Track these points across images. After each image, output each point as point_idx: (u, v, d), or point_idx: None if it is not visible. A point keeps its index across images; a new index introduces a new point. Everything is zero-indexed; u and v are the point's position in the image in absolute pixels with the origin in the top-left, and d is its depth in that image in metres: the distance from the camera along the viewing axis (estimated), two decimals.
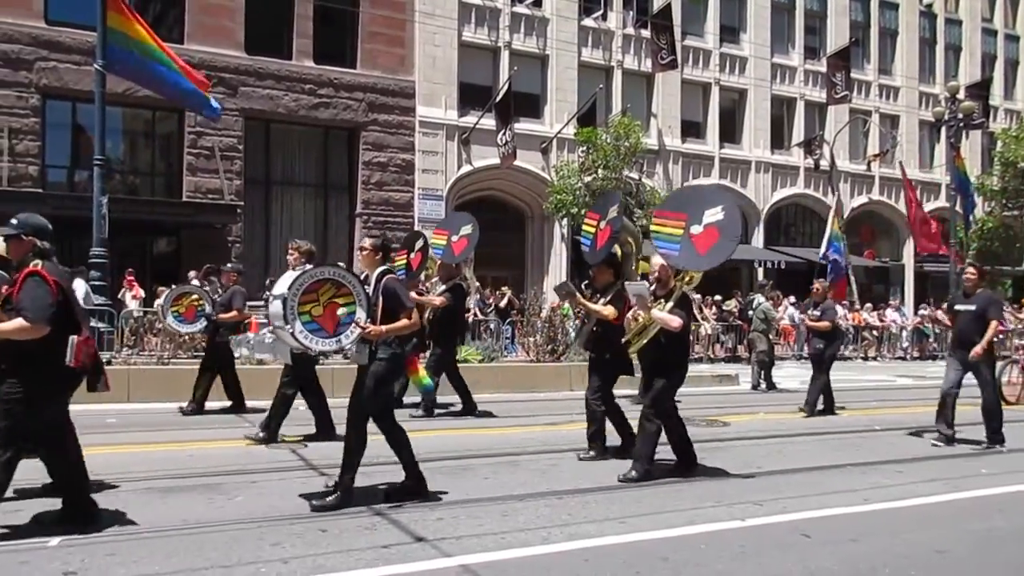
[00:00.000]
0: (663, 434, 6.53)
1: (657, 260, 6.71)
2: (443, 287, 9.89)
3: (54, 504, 4.94)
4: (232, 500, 5.48)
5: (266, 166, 21.70)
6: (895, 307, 26.92)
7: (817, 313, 10.91)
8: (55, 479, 4.92)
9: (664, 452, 6.70)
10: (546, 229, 24.87)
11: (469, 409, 9.82)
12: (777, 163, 28.98)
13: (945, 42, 33.41)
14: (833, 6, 30.31)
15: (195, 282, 12.68)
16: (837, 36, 29.93)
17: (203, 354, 10.11)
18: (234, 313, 9.28)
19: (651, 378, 6.50)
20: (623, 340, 6.61)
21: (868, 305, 25.27)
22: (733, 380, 15.02)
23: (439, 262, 10.29)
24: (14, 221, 4.85)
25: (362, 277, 5.55)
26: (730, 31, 28.47)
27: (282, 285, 5.33)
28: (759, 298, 14.78)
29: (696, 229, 6.43)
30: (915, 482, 6.58)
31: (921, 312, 25.54)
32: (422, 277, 11.49)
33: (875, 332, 24.58)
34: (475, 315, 18.02)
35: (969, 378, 8.39)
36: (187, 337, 11.12)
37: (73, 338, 4.58)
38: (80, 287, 14.10)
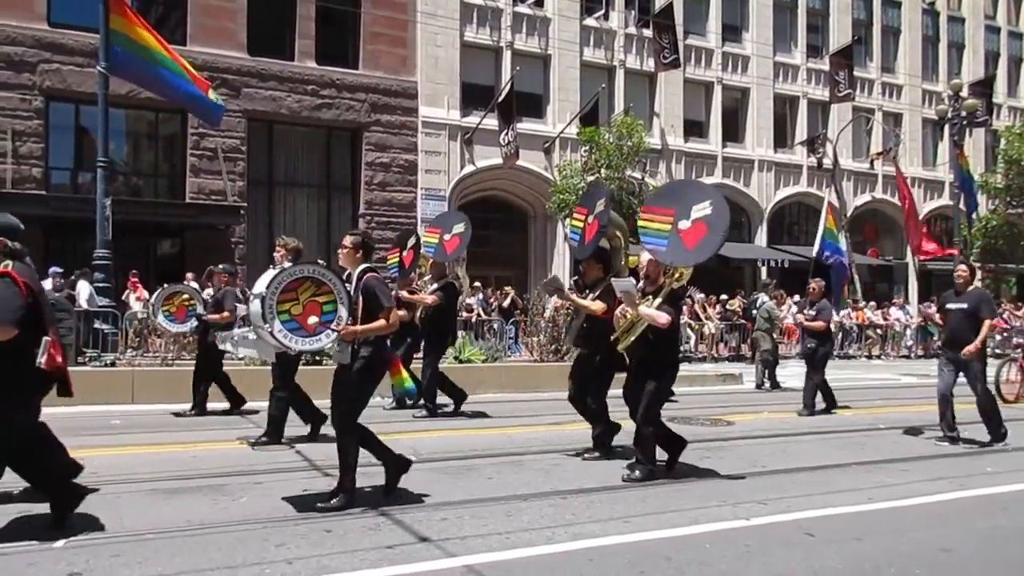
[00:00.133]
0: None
1: (645, 256, 6.61)
2: (435, 286, 9.83)
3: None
4: (236, 501, 5.48)
5: (269, 167, 21.73)
6: (899, 305, 26.88)
7: (812, 312, 10.88)
8: (35, 485, 4.82)
9: (663, 453, 6.69)
10: (549, 229, 24.87)
11: (456, 409, 9.79)
12: (780, 162, 28.95)
13: (948, 39, 33.34)
14: (835, 4, 30.26)
15: (193, 284, 12.65)
16: (839, 34, 29.89)
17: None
18: (225, 314, 9.15)
19: (640, 377, 6.41)
20: (612, 337, 6.52)
21: (872, 303, 25.24)
22: (737, 379, 15.02)
23: (431, 260, 10.21)
24: None
25: (345, 275, 5.47)
26: (732, 30, 28.44)
27: (261, 284, 5.26)
28: (763, 297, 14.76)
29: (684, 224, 6.35)
30: (920, 481, 6.57)
31: (909, 307, 25.39)
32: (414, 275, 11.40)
33: (879, 330, 24.55)
34: (478, 315, 18.04)
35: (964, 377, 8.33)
36: (191, 338, 11.11)
37: (46, 339, 4.48)
38: (84, 289, 14.20)
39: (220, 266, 9.69)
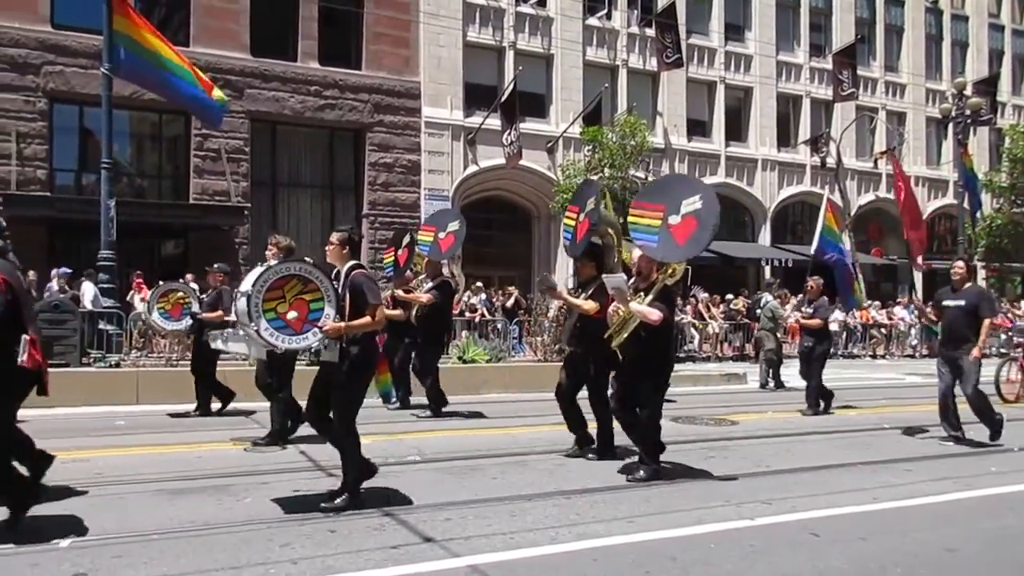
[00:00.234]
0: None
1: (637, 252, 6.57)
2: (430, 284, 9.78)
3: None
4: (241, 501, 5.48)
5: (272, 168, 21.76)
6: (903, 305, 26.82)
7: (810, 310, 10.85)
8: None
9: (665, 454, 6.68)
10: (552, 229, 24.82)
11: (435, 411, 9.68)
12: (783, 161, 28.92)
13: (952, 38, 33.27)
14: (838, 3, 30.22)
15: (193, 285, 12.62)
16: (843, 33, 29.85)
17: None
18: (219, 312, 9.03)
19: (632, 375, 6.35)
20: (606, 335, 6.45)
21: (876, 303, 25.19)
22: (741, 379, 15.01)
23: (426, 259, 10.16)
24: None
25: (333, 273, 5.42)
26: (735, 29, 28.42)
27: (247, 282, 5.21)
28: (767, 296, 14.74)
29: (674, 219, 6.27)
30: (925, 481, 6.55)
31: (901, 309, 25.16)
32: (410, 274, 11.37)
33: (883, 330, 24.50)
34: (482, 315, 18.04)
35: None
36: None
37: (25, 337, 4.46)
38: (89, 290, 14.24)
39: (215, 265, 9.61)
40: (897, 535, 5.02)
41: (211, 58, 19.57)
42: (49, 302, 11.78)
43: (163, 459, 6.98)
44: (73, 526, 4.79)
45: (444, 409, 9.72)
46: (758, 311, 15.03)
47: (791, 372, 14.78)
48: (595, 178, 21.92)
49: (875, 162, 30.33)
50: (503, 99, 22.31)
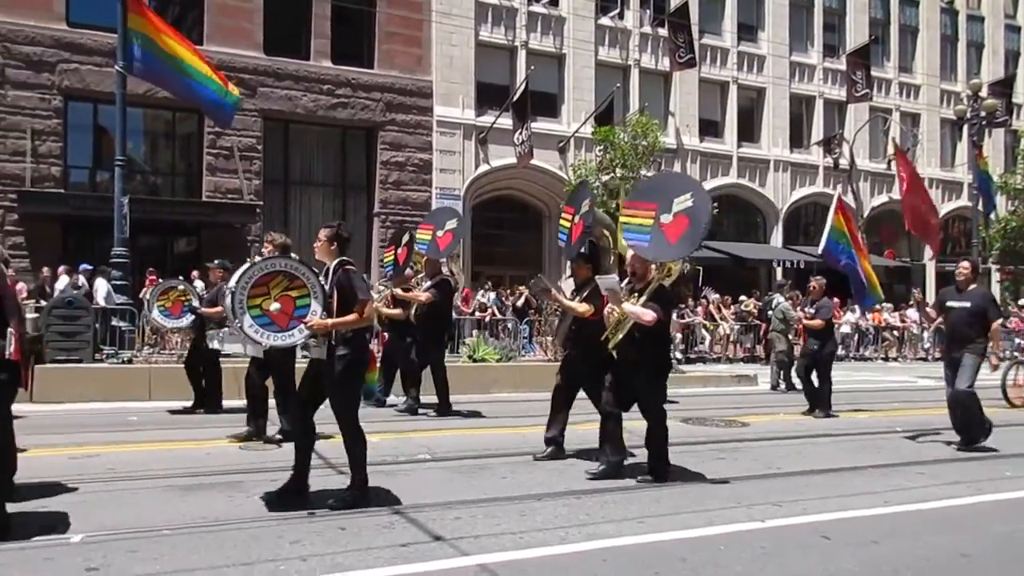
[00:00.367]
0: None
1: (631, 252, 6.48)
2: (428, 283, 9.75)
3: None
4: (251, 498, 5.49)
5: (285, 166, 21.83)
6: (916, 307, 26.63)
7: (812, 311, 10.78)
8: None
9: (675, 455, 6.65)
10: None
11: (411, 408, 9.63)
12: (796, 162, 28.79)
13: (967, 39, 33.03)
14: (852, 3, 30.05)
15: (198, 283, 12.64)
16: (856, 34, 29.69)
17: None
18: (219, 308, 8.99)
19: (629, 376, 6.27)
20: (603, 337, 6.38)
21: (889, 305, 25.04)
22: (752, 380, 14.97)
23: (425, 258, 10.12)
24: None
25: (324, 270, 5.38)
26: (748, 29, 28.31)
27: (234, 279, 5.22)
28: (778, 298, 14.68)
29: (666, 218, 6.22)
30: (937, 484, 6.51)
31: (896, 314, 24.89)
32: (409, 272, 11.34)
33: (896, 332, 24.36)
34: (492, 314, 18.05)
35: (977, 380, 8.10)
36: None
37: (10, 330, 4.46)
38: (102, 287, 14.32)
39: (216, 261, 9.58)
40: (909, 539, 4.99)
41: (224, 56, 19.64)
42: (63, 298, 11.86)
43: (173, 455, 7.02)
44: (85, 521, 4.82)
45: (421, 411, 9.70)
46: (769, 312, 14.98)
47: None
48: (607, 177, 21.98)
49: (888, 163, 30.11)
50: (515, 98, 22.29)
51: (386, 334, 10.83)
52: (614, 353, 6.39)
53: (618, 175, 21.97)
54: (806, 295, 11.69)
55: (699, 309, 21.42)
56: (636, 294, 6.25)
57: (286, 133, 21.72)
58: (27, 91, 18.37)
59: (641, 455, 6.66)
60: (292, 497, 5.26)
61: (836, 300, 22.32)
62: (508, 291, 20.77)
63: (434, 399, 9.79)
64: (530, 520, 5.10)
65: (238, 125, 19.76)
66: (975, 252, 24.43)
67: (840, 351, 23.04)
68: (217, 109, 13.11)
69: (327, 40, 21.56)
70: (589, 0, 25.12)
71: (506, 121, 22.59)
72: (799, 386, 13.60)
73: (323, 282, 5.25)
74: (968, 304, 8.00)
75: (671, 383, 13.32)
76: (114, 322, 12.05)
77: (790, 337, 14.37)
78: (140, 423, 8.86)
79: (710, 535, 4.90)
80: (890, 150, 29.76)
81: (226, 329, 6.53)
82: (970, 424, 8.10)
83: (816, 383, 10.74)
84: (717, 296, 22.26)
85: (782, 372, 13.92)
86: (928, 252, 31.18)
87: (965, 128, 25.98)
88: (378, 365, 9.70)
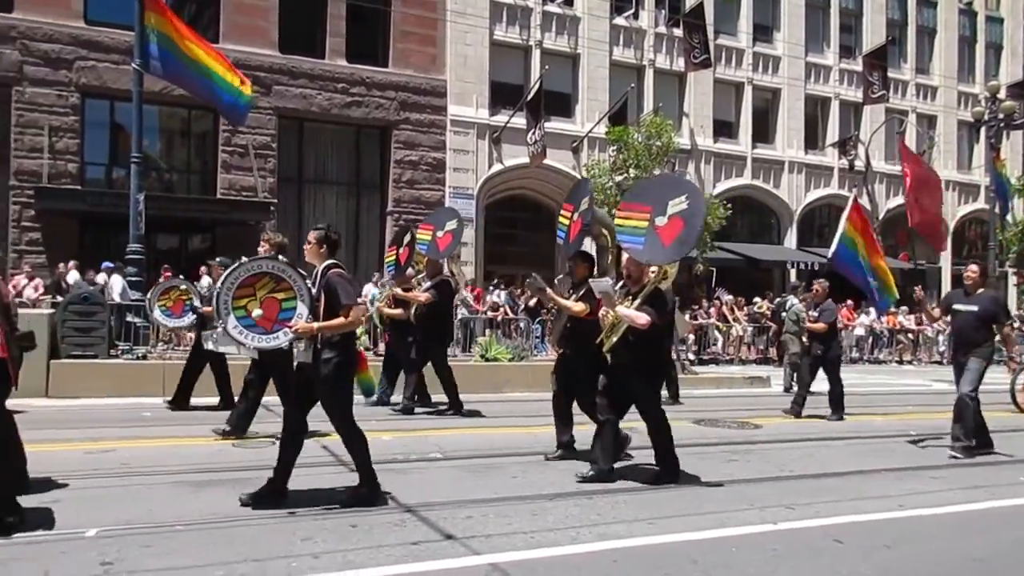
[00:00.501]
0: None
1: (625, 254, 6.45)
2: (428, 283, 9.74)
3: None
4: None
5: (299, 164, 21.91)
6: (918, 306, 26.37)
7: (815, 314, 10.72)
8: None
9: (687, 456, 6.63)
10: None
11: (408, 408, 9.61)
12: (811, 163, 28.64)
13: (986, 40, 32.75)
14: (869, 4, 29.86)
15: (206, 279, 12.65)
16: (873, 35, 29.49)
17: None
18: None
19: (622, 379, 6.21)
20: (598, 339, 6.34)
21: (904, 308, 24.86)
22: (764, 382, 14.91)
23: (426, 258, 10.11)
24: None
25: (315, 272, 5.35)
26: (763, 30, 28.19)
27: (220, 279, 5.20)
28: (792, 299, 14.61)
29: (661, 221, 6.16)
30: (952, 489, 6.46)
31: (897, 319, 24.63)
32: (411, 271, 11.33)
33: (910, 335, 24.20)
34: (505, 314, 18.05)
35: (985, 384, 8.03)
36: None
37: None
38: (117, 283, 14.44)
39: (217, 259, 9.60)
40: (923, 543, 4.96)
41: (240, 55, 19.72)
42: (79, 294, 11.95)
43: (186, 451, 7.06)
44: (100, 515, 4.86)
45: (422, 410, 9.70)
46: (783, 314, 14.90)
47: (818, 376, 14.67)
48: (621, 177, 21.93)
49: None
50: (529, 98, 22.28)
51: (388, 334, 10.87)
52: (608, 356, 6.35)
53: (631, 175, 21.92)
54: (810, 298, 11.58)
55: (712, 310, 21.35)
56: (631, 297, 6.21)
57: (300, 131, 21.80)
58: (45, 88, 18.53)
59: (640, 456, 6.64)
60: (271, 497, 5.17)
61: (850, 302, 22.27)
62: (520, 291, 20.76)
63: (443, 400, 9.81)
64: (541, 520, 5.10)
65: (253, 123, 19.86)
66: (991, 255, 24.21)
67: (854, 354, 23.05)
68: (231, 108, 13.17)
69: (342, 39, 21.63)
70: (604, 0, 25.08)
71: (520, 121, 22.59)
72: (812, 388, 13.56)
73: (310, 285, 5.22)
74: (976, 308, 7.90)
75: (683, 384, 13.38)
76: (129, 318, 12.13)
77: (803, 339, 14.28)
78: (154, 419, 8.92)
79: (722, 537, 4.88)
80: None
81: (220, 329, 6.55)
82: (977, 428, 7.99)
83: (834, 384, 10.67)
84: (730, 297, 22.18)
85: (795, 374, 13.82)
86: (945, 255, 30.98)
87: (983, 130, 25.75)
88: (370, 364, 9.72)
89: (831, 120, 29.30)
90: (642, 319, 5.93)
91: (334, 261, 5.38)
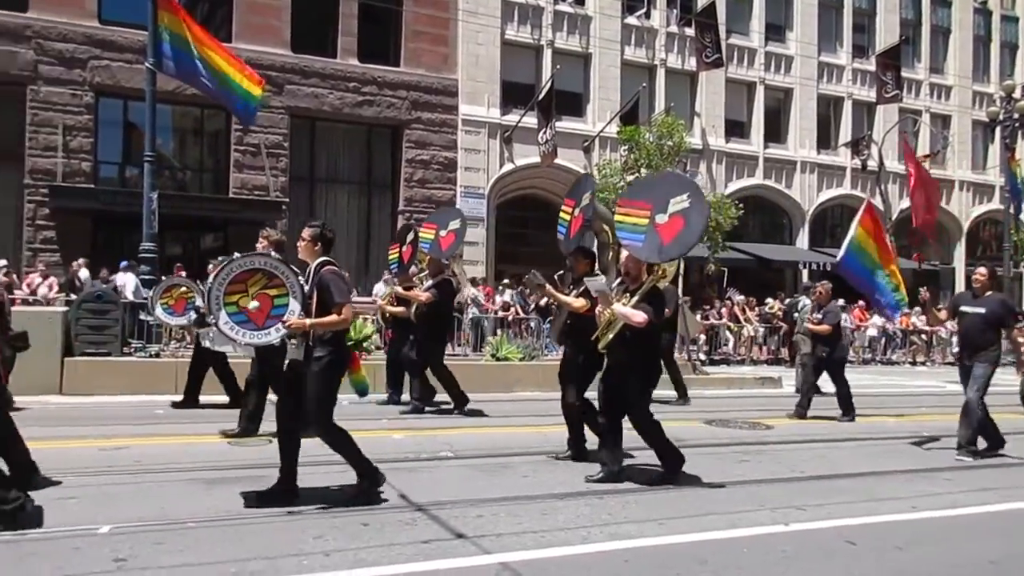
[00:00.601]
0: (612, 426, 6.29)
1: (624, 252, 6.40)
2: (430, 282, 9.70)
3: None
4: None
5: (311, 163, 21.99)
6: (921, 307, 26.17)
7: (819, 316, 10.66)
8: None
9: (699, 457, 6.61)
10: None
11: (417, 408, 9.57)
12: (823, 163, 28.52)
13: (1001, 39, 32.52)
14: (883, 3, 29.71)
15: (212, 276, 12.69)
16: (887, 34, 29.33)
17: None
18: None
19: (617, 378, 6.17)
20: (593, 336, 6.28)
21: (917, 309, 24.70)
22: (776, 383, 14.84)
23: (428, 257, 10.05)
24: None
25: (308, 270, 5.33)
26: (776, 29, 28.08)
27: (212, 275, 5.22)
28: (804, 300, 14.55)
29: (661, 218, 6.11)
30: (965, 491, 6.41)
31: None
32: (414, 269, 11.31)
33: (924, 336, 24.05)
34: (516, 313, 18.05)
35: (994, 386, 7.95)
36: None
37: None
38: (130, 281, 14.52)
39: (219, 258, 9.63)
40: (936, 545, 4.93)
41: (252, 54, 19.79)
42: (92, 292, 12.03)
43: (198, 449, 7.09)
44: (113, 512, 4.89)
45: (431, 409, 9.68)
46: (795, 315, 14.84)
47: (827, 377, 14.59)
48: (632, 177, 21.87)
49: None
50: (540, 97, 22.28)
51: (391, 332, 10.87)
52: (605, 356, 6.32)
53: (643, 175, 21.86)
54: (813, 299, 11.51)
55: (724, 310, 21.28)
56: (628, 294, 6.16)
57: (312, 130, 21.88)
58: (59, 87, 18.66)
59: (641, 457, 6.61)
60: (281, 496, 5.17)
61: (862, 302, 22.13)
62: (529, 291, 20.75)
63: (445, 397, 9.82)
64: (552, 519, 5.10)
65: (265, 122, 19.95)
66: (1006, 256, 24.04)
67: (867, 355, 22.94)
68: (241, 109, 13.23)
69: (354, 38, 21.69)
70: None
71: (531, 120, 22.58)
72: (824, 389, 13.51)
73: (303, 282, 5.21)
74: (983, 310, 7.82)
75: (694, 385, 13.35)
76: (142, 316, 12.20)
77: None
78: (166, 416, 8.97)
79: (732, 537, 4.87)
80: (919, 152, 29.42)
81: (213, 329, 6.56)
82: (986, 432, 7.96)
83: (840, 386, 10.63)
84: (742, 298, 22.11)
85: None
86: (958, 256, 30.77)
87: (997, 130, 25.58)
88: (362, 364, 9.72)
89: (844, 120, 29.17)
90: (639, 317, 5.88)
91: (328, 259, 5.35)
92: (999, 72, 31.83)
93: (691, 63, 25.96)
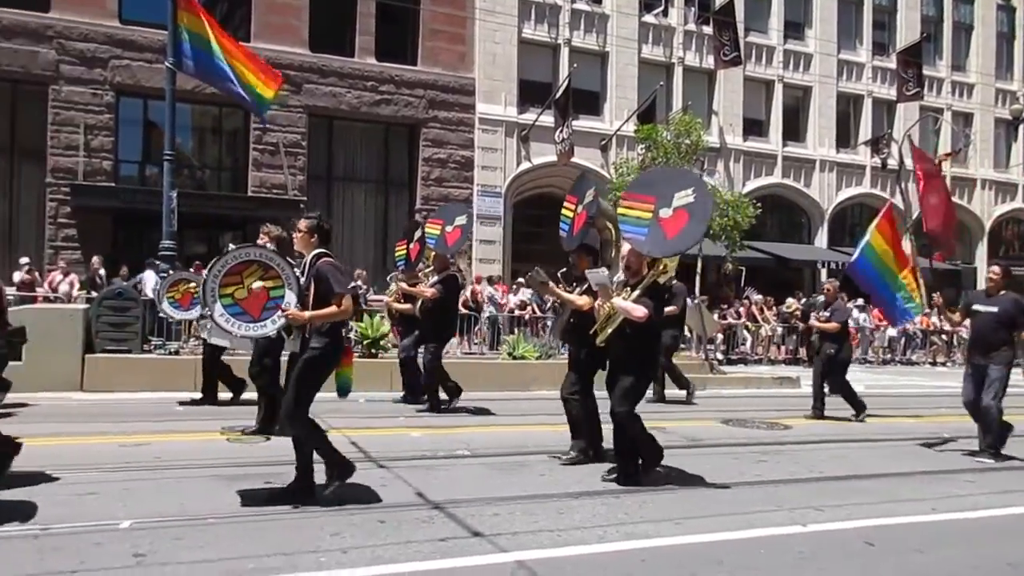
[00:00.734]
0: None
1: (627, 245, 6.34)
2: (435, 278, 9.67)
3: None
4: None
5: (328, 162, 22.08)
6: (936, 311, 25.90)
7: (827, 314, 10.59)
8: None
9: (716, 456, 6.58)
10: None
11: (434, 406, 9.56)
12: (842, 162, 28.29)
13: None
14: (904, 0, 29.40)
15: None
16: (907, 31, 29.04)
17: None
18: None
19: (617, 373, 6.13)
20: (591, 331, 6.24)
21: (937, 309, 24.46)
22: (794, 382, 14.76)
23: (434, 253, 10.01)
24: None
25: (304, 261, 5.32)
26: (795, 27, 27.87)
27: (208, 267, 5.23)
28: (822, 299, 14.42)
29: (665, 212, 6.05)
30: (987, 493, 6.35)
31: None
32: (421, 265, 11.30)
33: (944, 337, 23.82)
34: (532, 312, 18.05)
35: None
36: None
37: None
38: (151, 279, 14.65)
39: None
40: (957, 548, 4.89)
41: (271, 53, 19.88)
42: (113, 290, 12.14)
43: (218, 446, 7.15)
44: (133, 507, 4.94)
45: (421, 406, 9.69)
46: (813, 314, 14.71)
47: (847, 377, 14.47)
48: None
49: (939, 164, 29.40)
50: (557, 96, 22.25)
51: (398, 328, 10.88)
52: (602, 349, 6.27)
53: None
54: (821, 296, 11.45)
55: (741, 310, 21.18)
56: (629, 288, 6.12)
57: (330, 129, 21.97)
58: (80, 87, 18.84)
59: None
60: (299, 494, 5.16)
61: (840, 302, 21.89)
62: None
63: (470, 398, 9.82)
64: (568, 518, 5.10)
65: (283, 121, 20.07)
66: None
67: (887, 355, 22.76)
68: (255, 105, 13.31)
69: (371, 37, 21.75)
70: None
71: (548, 119, 22.56)
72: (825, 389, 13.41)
73: (299, 274, 5.20)
74: (996, 309, 7.73)
75: (711, 384, 13.28)
76: (161, 314, 12.28)
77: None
78: (186, 413, 9.05)
79: (749, 538, 4.85)
80: (940, 150, 29.11)
81: (211, 323, 6.59)
82: (996, 435, 7.82)
83: (836, 384, 10.58)
84: (760, 297, 21.99)
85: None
86: (980, 255, 30.42)
87: (1020, 128, 25.30)
88: (354, 360, 9.74)
89: (863, 118, 28.90)
90: (639, 311, 5.83)
91: (324, 250, 5.33)
92: (1022, 69, 31.43)
93: (709, 61, 25.82)
